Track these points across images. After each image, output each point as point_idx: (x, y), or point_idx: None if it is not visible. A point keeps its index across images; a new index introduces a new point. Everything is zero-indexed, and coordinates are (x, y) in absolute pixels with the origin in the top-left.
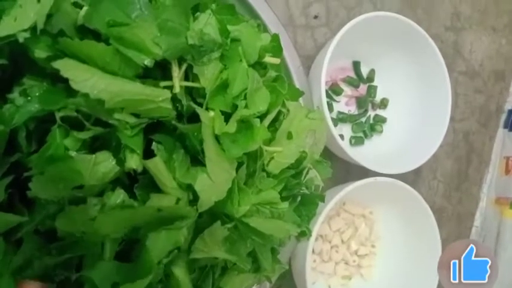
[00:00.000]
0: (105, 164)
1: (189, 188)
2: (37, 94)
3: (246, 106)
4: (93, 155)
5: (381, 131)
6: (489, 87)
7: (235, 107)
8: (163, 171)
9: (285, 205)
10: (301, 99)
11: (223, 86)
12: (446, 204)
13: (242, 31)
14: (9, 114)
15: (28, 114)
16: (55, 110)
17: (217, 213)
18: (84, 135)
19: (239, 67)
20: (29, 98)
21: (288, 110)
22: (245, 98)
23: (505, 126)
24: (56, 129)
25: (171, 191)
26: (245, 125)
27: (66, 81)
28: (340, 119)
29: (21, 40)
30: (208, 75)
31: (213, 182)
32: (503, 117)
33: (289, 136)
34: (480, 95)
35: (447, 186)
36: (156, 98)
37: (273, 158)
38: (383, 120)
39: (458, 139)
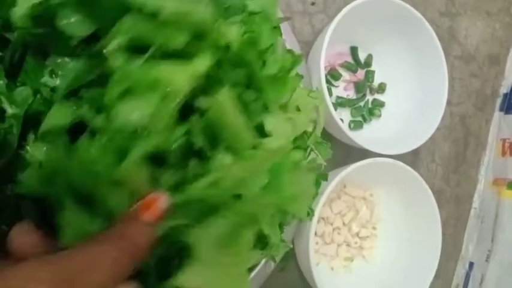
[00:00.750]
0: None
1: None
2: (70, 66)
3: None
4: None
5: (380, 115)
6: (484, 72)
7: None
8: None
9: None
10: (301, 84)
11: (250, 43)
12: (444, 187)
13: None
14: (22, 98)
15: (68, 85)
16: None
17: None
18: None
19: (262, 27)
20: (61, 73)
21: None
22: (273, 53)
23: (501, 109)
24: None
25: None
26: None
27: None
28: (339, 103)
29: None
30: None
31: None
32: (499, 100)
33: (298, 109)
34: (476, 79)
35: (445, 169)
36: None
37: None
38: (381, 104)
39: (455, 122)
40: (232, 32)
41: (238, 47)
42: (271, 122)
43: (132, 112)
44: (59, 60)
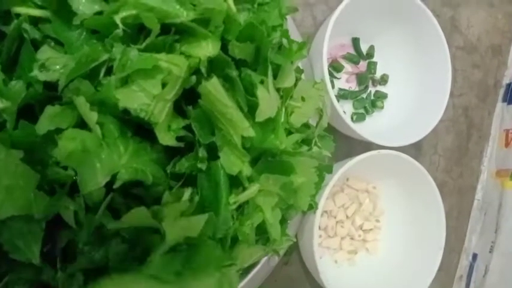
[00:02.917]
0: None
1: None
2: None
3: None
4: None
5: (382, 107)
6: (487, 62)
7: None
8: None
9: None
10: (303, 76)
11: (259, 22)
12: (447, 179)
13: None
14: (14, 92)
15: (70, 73)
16: (114, 15)
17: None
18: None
19: (271, 12)
20: (56, 67)
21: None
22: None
23: (504, 100)
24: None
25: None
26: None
27: None
28: (341, 95)
29: None
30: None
31: (270, 95)
32: (502, 91)
33: (303, 99)
34: (478, 69)
35: (448, 161)
36: None
37: (293, 111)
38: (384, 96)
39: (457, 114)
40: (241, 16)
41: (248, 24)
42: (262, 90)
43: (133, 99)
44: (49, 54)
